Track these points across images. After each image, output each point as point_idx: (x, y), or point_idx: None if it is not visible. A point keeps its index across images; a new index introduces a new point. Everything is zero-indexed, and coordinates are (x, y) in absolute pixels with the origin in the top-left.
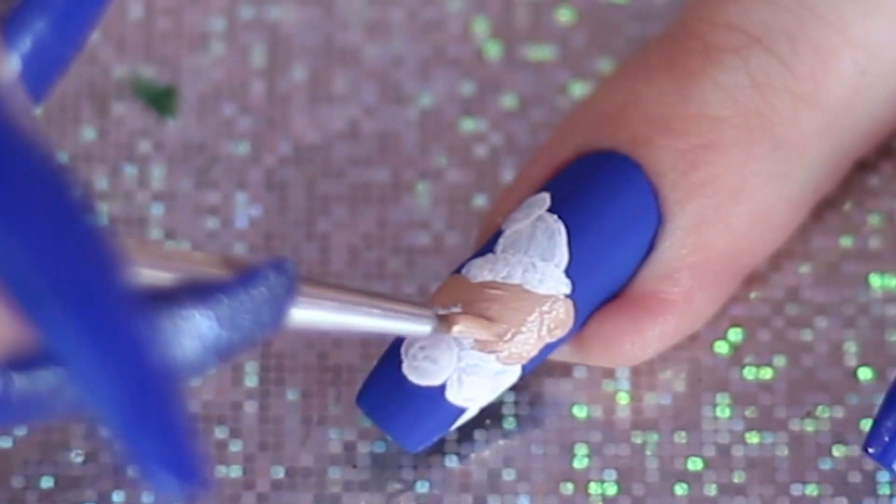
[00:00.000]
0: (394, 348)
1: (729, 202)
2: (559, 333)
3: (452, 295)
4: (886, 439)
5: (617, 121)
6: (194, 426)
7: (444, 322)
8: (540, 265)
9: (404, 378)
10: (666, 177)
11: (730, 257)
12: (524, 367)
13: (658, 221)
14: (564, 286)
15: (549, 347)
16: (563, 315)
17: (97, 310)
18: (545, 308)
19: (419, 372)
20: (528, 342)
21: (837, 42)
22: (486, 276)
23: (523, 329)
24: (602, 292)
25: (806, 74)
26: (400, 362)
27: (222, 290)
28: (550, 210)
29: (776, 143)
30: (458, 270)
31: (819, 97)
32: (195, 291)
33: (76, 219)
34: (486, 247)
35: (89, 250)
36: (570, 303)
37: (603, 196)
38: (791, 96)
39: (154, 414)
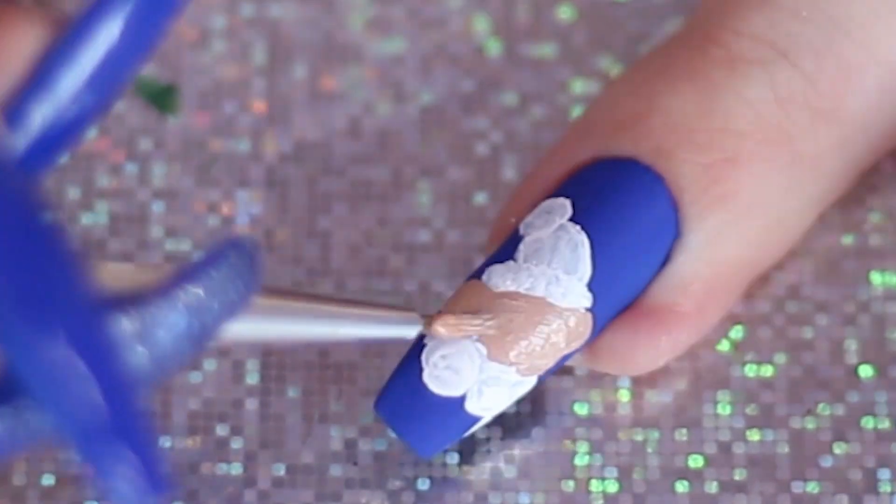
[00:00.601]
0: (413, 354)
1: (745, 216)
2: (576, 345)
3: (473, 302)
4: None
5: (639, 128)
6: (156, 436)
7: (428, 323)
8: (563, 279)
9: (424, 387)
10: (688, 191)
11: (741, 268)
12: (539, 377)
13: (675, 234)
14: (586, 300)
15: (565, 357)
16: (582, 328)
17: (58, 320)
18: (567, 322)
19: (440, 381)
20: (547, 355)
21: (863, 60)
22: (508, 285)
23: (544, 343)
24: (619, 304)
25: (828, 91)
26: (420, 370)
27: (185, 279)
28: (572, 219)
29: (794, 158)
30: (478, 275)
31: (838, 113)
32: (159, 289)
33: (37, 227)
34: (505, 252)
35: (49, 259)
36: (589, 316)
37: (626, 209)
38: (811, 111)
39: (118, 427)
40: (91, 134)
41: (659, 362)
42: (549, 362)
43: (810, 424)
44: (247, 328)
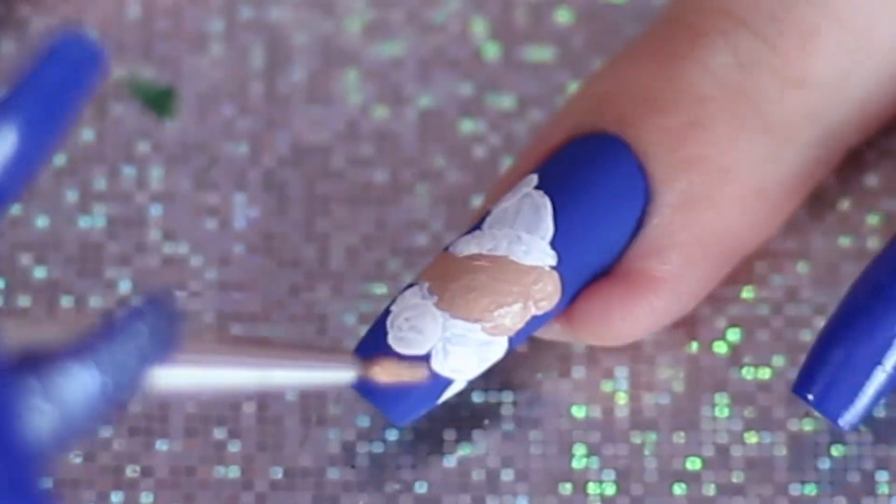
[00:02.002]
0: (380, 321)
1: (718, 181)
2: (546, 306)
3: (440, 271)
4: (825, 385)
5: (605, 103)
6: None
7: (367, 366)
8: (525, 237)
9: (390, 349)
10: (653, 155)
11: (720, 238)
12: (511, 340)
13: (646, 199)
14: (550, 258)
15: (537, 321)
16: (549, 287)
17: None
18: (531, 279)
19: (405, 342)
20: (513, 313)
21: (822, 21)
22: (472, 250)
23: (509, 300)
24: (589, 268)
25: (791, 55)
26: (386, 334)
27: (98, 337)
28: (537, 187)
29: (764, 124)
30: (447, 249)
31: (805, 77)
32: (70, 347)
33: None
34: (474, 227)
35: None
36: (555, 275)
37: (588, 172)
38: (777, 77)
39: (11, 495)
40: (89, 137)
41: (637, 330)
42: (518, 322)
43: (808, 427)
44: (175, 380)
